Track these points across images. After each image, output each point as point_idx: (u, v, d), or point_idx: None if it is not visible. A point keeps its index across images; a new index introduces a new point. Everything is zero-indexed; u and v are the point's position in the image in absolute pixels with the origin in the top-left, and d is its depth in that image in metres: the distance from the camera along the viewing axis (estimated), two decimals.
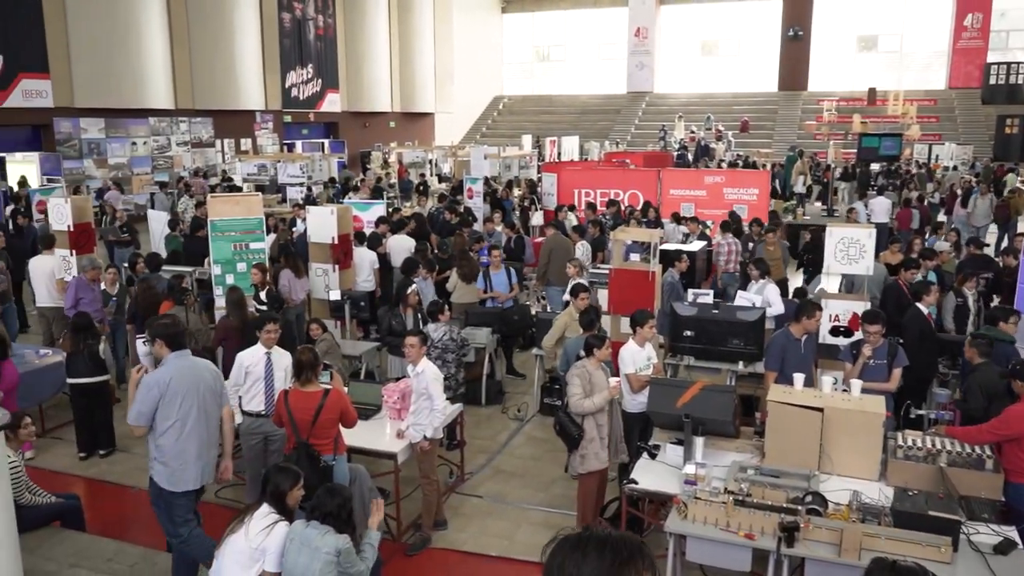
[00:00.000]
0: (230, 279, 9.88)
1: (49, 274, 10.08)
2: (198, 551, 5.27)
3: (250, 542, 4.42)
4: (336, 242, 10.69)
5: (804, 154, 26.15)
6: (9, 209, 16.43)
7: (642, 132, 38.43)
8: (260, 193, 12.92)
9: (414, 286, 9.14)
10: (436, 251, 12.01)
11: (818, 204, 22.27)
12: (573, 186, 17.31)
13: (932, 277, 9.37)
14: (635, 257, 9.54)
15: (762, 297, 8.81)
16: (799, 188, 22.97)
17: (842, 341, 7.45)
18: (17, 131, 22.63)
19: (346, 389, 6.54)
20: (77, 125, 23.46)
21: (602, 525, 5.91)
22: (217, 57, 26.99)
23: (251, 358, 6.47)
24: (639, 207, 14.89)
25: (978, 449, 5.38)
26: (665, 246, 10.85)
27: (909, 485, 5.12)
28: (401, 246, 11.98)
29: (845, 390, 6.04)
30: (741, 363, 7.91)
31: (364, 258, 11.23)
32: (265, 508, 4.54)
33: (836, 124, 32.93)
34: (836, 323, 7.94)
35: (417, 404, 6.26)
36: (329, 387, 5.79)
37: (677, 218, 13.99)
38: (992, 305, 9.60)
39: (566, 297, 9.23)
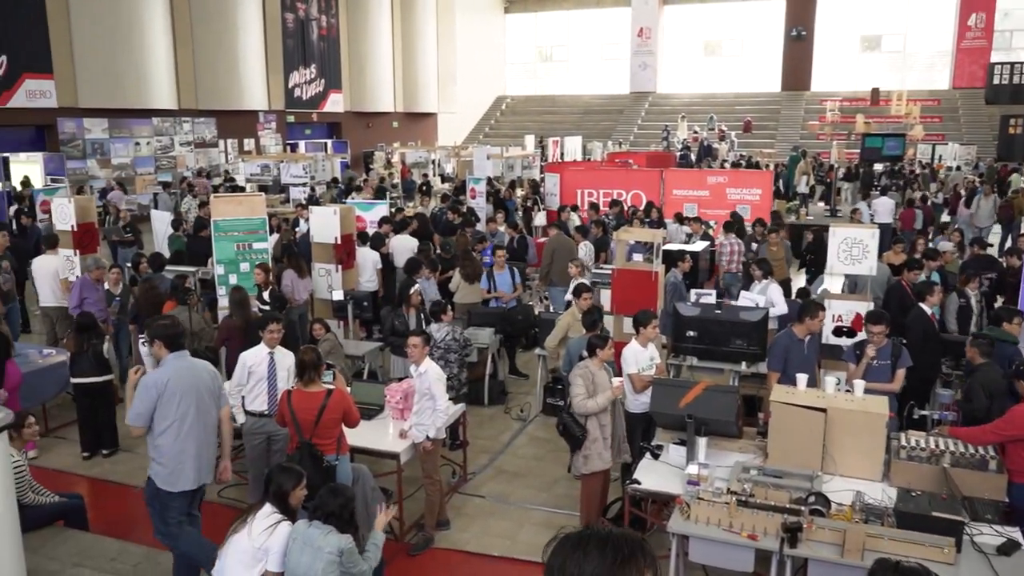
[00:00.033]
0: (233, 279, 9.89)
1: (53, 274, 10.11)
2: (189, 550, 5.30)
3: (253, 542, 4.43)
4: (339, 242, 10.69)
5: (807, 154, 26.11)
6: (13, 209, 16.47)
7: (645, 132, 38.41)
8: (263, 193, 12.95)
9: (417, 286, 9.15)
10: (439, 251, 12.02)
11: (821, 204, 22.25)
12: (576, 186, 17.31)
13: (935, 277, 9.35)
14: (638, 257, 9.55)
15: (765, 297, 8.80)
16: (802, 188, 22.95)
17: (845, 341, 7.44)
18: (21, 131, 22.69)
19: (349, 389, 6.55)
20: (81, 125, 23.51)
21: (604, 525, 5.91)
22: (220, 57, 27.02)
23: (254, 358, 6.48)
24: (642, 207, 14.89)
25: (982, 450, 5.37)
26: (668, 246, 10.84)
27: (912, 486, 5.11)
28: (404, 246, 11.99)
29: (848, 391, 6.03)
30: (744, 363, 7.90)
31: (367, 258, 11.24)
32: (268, 508, 4.55)
33: (839, 124, 32.91)
34: (839, 323, 7.93)
35: (420, 404, 6.26)
36: (332, 387, 5.79)
37: (680, 218, 13.98)
38: (996, 306, 9.58)
39: (568, 297, 9.23)
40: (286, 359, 6.48)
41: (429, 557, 6.25)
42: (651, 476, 5.60)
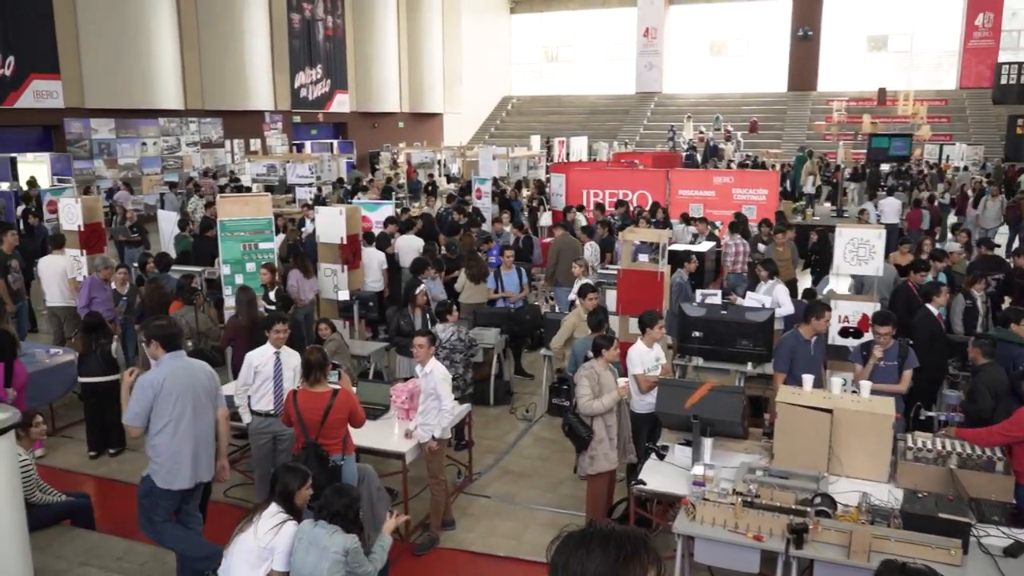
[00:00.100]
0: (239, 279, 9.91)
1: (61, 273, 10.14)
2: (174, 546, 5.36)
3: (259, 541, 4.44)
4: (345, 242, 10.71)
5: (813, 154, 26.07)
6: (20, 209, 16.54)
7: (651, 132, 38.38)
8: (269, 193, 12.97)
9: (422, 286, 9.15)
10: (444, 251, 12.03)
11: (828, 205, 22.20)
12: (582, 186, 17.30)
13: (942, 278, 9.32)
14: (644, 258, 9.55)
15: (771, 298, 8.78)
16: (808, 189, 22.90)
17: (852, 342, 7.41)
18: (28, 131, 22.79)
19: (354, 389, 6.55)
20: (88, 125, 23.61)
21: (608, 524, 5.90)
22: (226, 58, 27.10)
23: (260, 358, 6.49)
24: (648, 208, 14.87)
25: (988, 451, 5.35)
26: (674, 247, 10.82)
27: (919, 487, 5.09)
28: (410, 246, 12.00)
29: (855, 391, 6.02)
30: (750, 364, 7.88)
31: (373, 258, 11.26)
32: (273, 507, 4.56)
33: (846, 124, 32.86)
34: (846, 324, 7.91)
35: (425, 404, 6.27)
36: (338, 387, 5.80)
37: (686, 219, 13.96)
38: (1003, 307, 9.55)
39: (571, 297, 9.23)
40: (292, 359, 6.49)
41: (434, 557, 6.25)
42: (656, 477, 5.59)
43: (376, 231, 12.45)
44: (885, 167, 23.55)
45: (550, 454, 8.06)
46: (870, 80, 37.55)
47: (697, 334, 7.96)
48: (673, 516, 5.11)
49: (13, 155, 22.42)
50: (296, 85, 30.90)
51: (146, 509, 5.33)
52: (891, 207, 16.72)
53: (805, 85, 38.78)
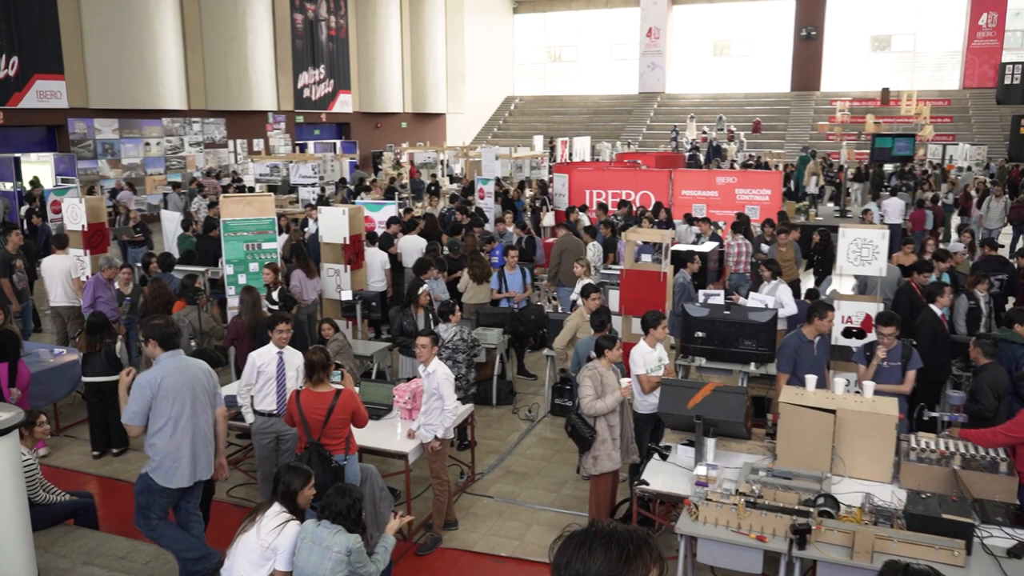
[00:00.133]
0: (242, 279, 9.93)
1: (65, 273, 10.17)
2: (168, 544, 5.37)
3: (262, 541, 4.45)
4: (348, 242, 10.72)
5: (817, 155, 26.05)
6: (24, 209, 16.58)
7: (654, 133, 38.37)
8: (272, 194, 12.99)
9: (425, 286, 9.16)
10: (447, 251, 12.04)
11: (831, 205, 22.17)
12: (585, 187, 17.31)
13: (946, 278, 9.30)
14: (647, 258, 9.53)
15: (774, 298, 8.78)
16: (812, 189, 22.89)
17: (855, 343, 7.41)
18: (32, 131, 22.83)
19: (357, 389, 6.56)
20: (91, 126, 23.64)
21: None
22: (230, 58, 27.13)
23: (263, 357, 6.50)
24: (651, 208, 14.87)
25: (992, 452, 5.34)
26: (677, 247, 10.83)
27: (922, 487, 5.09)
28: (413, 246, 12.01)
29: (858, 392, 6.01)
30: (753, 364, 7.88)
31: (376, 258, 11.26)
32: (276, 507, 4.57)
33: (849, 124, 32.78)
34: (849, 324, 7.90)
35: (428, 404, 6.27)
36: (340, 387, 5.81)
37: (689, 219, 13.96)
38: (1007, 307, 9.53)
39: (574, 297, 9.23)
40: (295, 359, 6.50)
41: (437, 557, 6.25)
42: (659, 477, 5.59)
43: (379, 231, 12.47)
44: (888, 167, 23.54)
45: (553, 454, 8.07)
46: (873, 80, 37.52)
47: (700, 334, 7.96)
48: (676, 516, 5.12)
49: (17, 155, 22.44)
50: (299, 85, 30.92)
51: (142, 506, 5.35)
52: (894, 207, 16.70)
53: (808, 85, 38.76)
